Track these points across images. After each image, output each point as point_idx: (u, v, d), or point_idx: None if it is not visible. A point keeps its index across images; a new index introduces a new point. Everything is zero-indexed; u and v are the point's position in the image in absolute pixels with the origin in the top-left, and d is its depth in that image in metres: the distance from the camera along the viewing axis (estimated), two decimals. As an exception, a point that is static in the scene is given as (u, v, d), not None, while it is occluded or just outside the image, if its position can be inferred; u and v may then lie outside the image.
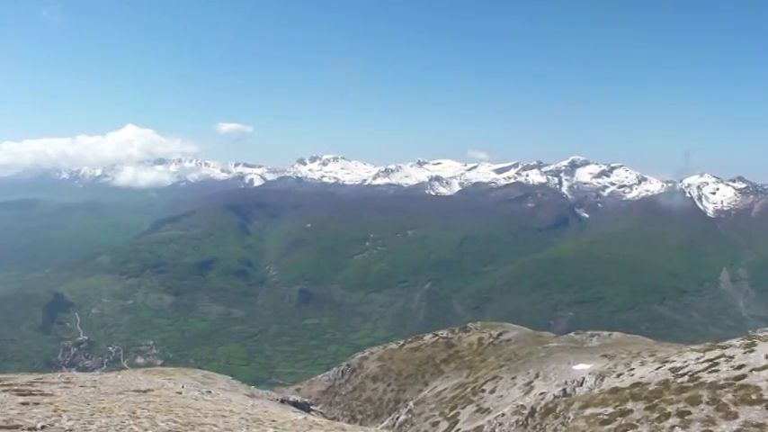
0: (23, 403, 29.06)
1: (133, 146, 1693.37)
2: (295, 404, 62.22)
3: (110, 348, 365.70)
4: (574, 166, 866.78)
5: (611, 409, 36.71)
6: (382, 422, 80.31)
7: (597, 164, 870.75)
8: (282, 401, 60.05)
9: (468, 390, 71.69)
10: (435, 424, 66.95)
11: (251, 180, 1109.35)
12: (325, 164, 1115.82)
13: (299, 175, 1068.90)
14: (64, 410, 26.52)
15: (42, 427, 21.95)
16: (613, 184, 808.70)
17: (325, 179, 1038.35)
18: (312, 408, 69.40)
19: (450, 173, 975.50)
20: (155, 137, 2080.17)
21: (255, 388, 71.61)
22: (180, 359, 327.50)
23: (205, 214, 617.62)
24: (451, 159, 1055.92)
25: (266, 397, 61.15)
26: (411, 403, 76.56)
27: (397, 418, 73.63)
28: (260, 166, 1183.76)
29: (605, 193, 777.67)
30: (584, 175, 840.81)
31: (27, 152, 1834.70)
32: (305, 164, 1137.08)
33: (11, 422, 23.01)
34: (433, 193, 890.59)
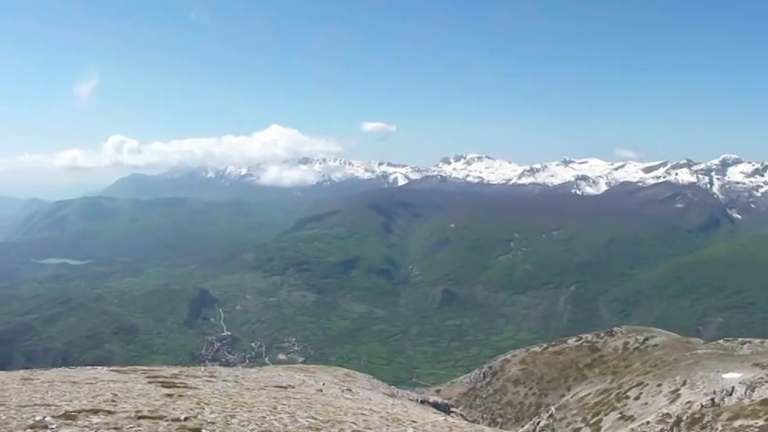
0: (168, 395, 29.73)
1: (278, 145, 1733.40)
2: (435, 405, 62.01)
3: (252, 344, 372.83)
4: (725, 164, 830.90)
5: (761, 422, 35.11)
6: (523, 426, 79.18)
7: (750, 162, 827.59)
8: (422, 402, 59.90)
9: (612, 396, 69.86)
10: (577, 430, 65.47)
11: (395, 179, 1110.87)
12: (469, 163, 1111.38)
13: (443, 175, 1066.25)
14: (206, 403, 26.98)
15: (185, 419, 22.31)
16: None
17: (469, 178, 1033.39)
18: (452, 409, 69.04)
19: (597, 172, 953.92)
20: (299, 137, 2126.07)
21: (396, 388, 71.71)
22: (321, 357, 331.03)
23: (349, 213, 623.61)
24: (598, 158, 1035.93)
25: (406, 397, 61.09)
26: (553, 408, 75.17)
27: (538, 423, 72.42)
28: (404, 166, 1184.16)
29: (759, 193, 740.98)
30: (736, 174, 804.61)
31: (174, 152, 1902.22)
32: (449, 163, 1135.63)
33: (155, 412, 23.49)
34: (579, 192, 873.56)
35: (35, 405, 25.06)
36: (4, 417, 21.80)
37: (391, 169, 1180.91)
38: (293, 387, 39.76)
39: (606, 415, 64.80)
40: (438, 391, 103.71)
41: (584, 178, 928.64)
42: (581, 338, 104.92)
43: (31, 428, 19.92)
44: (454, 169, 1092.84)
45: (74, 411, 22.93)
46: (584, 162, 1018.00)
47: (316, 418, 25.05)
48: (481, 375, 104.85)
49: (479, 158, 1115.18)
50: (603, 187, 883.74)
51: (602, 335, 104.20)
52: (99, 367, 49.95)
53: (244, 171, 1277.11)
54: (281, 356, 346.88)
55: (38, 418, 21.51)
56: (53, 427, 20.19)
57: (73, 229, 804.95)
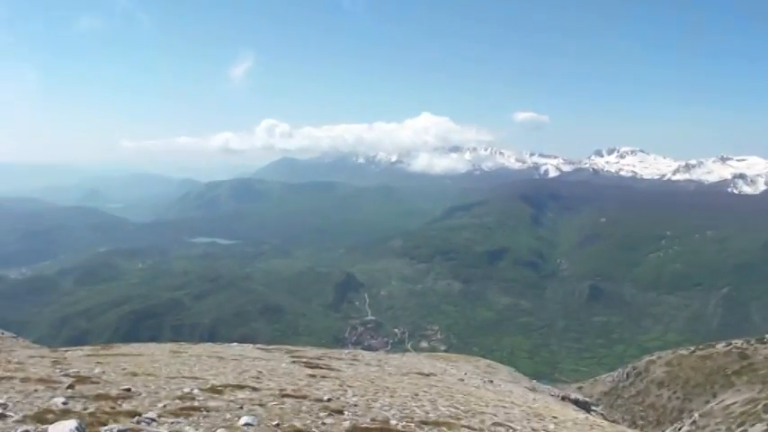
0: (311, 375, 30.39)
1: (429, 133, 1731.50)
2: (576, 402, 61.13)
3: (395, 330, 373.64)
4: None
5: None
6: (663, 431, 77.26)
7: None
8: (563, 398, 59.14)
9: (760, 407, 67.16)
10: (721, 439, 63.33)
11: (545, 171, 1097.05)
12: (622, 156, 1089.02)
13: (595, 168, 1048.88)
14: (349, 386, 27.43)
15: (328, 400, 22.69)
16: None
17: (622, 172, 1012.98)
18: (593, 408, 67.88)
19: (756, 170, 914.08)
20: (451, 125, 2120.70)
21: (537, 382, 71.03)
22: (464, 346, 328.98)
23: (498, 203, 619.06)
24: (758, 156, 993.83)
25: (547, 392, 60.48)
26: (696, 414, 72.89)
27: (680, 429, 70.44)
28: (555, 157, 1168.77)
29: None
30: None
31: (325, 137, 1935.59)
32: (602, 156, 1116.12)
33: (299, 392, 23.98)
34: (735, 191, 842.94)
35: (183, 377, 25.96)
36: (153, 386, 22.63)
37: (542, 160, 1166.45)
38: (435, 375, 39.95)
39: (752, 426, 62.37)
40: (580, 388, 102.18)
41: (742, 176, 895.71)
42: (730, 344, 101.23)
43: (179, 399, 20.58)
44: (607, 162, 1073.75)
45: (220, 386, 23.62)
46: (742, 159, 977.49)
47: (456, 408, 25.10)
48: (624, 375, 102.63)
49: (633, 152, 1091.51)
50: (762, 187, 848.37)
51: (752, 341, 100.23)
52: (245, 344, 51.44)
53: (394, 158, 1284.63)
54: (424, 344, 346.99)
55: (186, 390, 22.22)
56: (200, 399, 20.81)
57: (224, 210, 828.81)
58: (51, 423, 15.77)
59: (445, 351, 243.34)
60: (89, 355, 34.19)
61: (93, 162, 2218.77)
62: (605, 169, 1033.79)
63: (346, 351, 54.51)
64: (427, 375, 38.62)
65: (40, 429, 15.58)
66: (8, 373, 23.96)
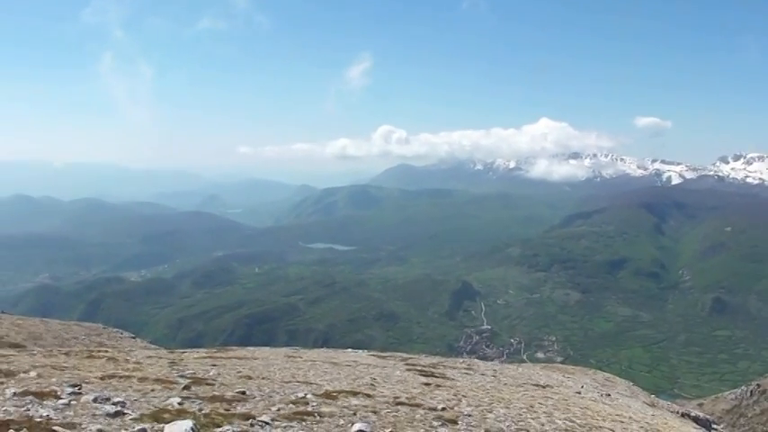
0: (425, 384, 30.16)
1: (547, 139, 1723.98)
2: (696, 420, 59.19)
3: (511, 340, 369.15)
4: None
5: None
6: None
7: None
8: (683, 415, 57.32)
9: None
10: None
11: (668, 178, 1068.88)
12: (749, 163, 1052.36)
13: (720, 175, 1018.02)
14: (464, 396, 27.09)
15: (443, 409, 22.42)
16: None
17: (749, 179, 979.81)
18: (714, 426, 65.71)
19: None
20: (570, 130, 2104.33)
21: (656, 397, 69.21)
22: (580, 358, 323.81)
23: (618, 211, 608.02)
24: None
25: (666, 408, 58.78)
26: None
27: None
28: (678, 164, 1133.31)
29: None
30: None
31: (442, 143, 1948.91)
32: (727, 162, 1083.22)
33: (413, 400, 23.79)
34: None
35: (297, 382, 26.05)
36: (268, 390, 22.75)
37: (665, 167, 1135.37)
38: (551, 387, 39.22)
39: None
40: (700, 405, 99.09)
41: None
42: None
43: (293, 404, 20.60)
44: (732, 169, 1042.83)
45: (334, 392, 23.60)
46: None
47: (573, 421, 24.54)
48: (748, 393, 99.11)
49: (761, 158, 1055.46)
50: None
51: None
52: (359, 351, 51.62)
53: (512, 164, 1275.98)
54: (540, 355, 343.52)
55: (300, 394, 22.25)
56: (314, 404, 20.80)
57: (340, 216, 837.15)
58: (167, 422, 15.94)
59: (562, 362, 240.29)
60: (205, 358, 34.70)
61: (212, 168, 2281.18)
62: (731, 176, 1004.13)
63: (461, 360, 54.16)
64: (543, 387, 37.95)
65: (156, 428, 15.75)
66: (126, 373, 24.41)
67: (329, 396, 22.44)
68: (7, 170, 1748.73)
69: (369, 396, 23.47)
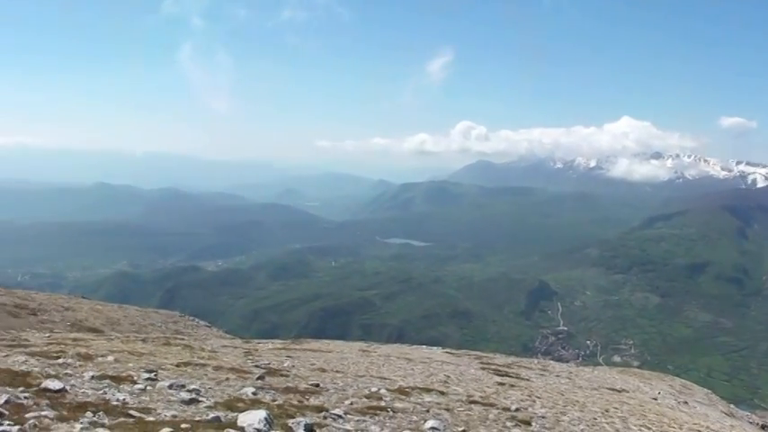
0: (500, 383, 30.01)
1: (629, 138, 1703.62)
2: (775, 431, 57.84)
3: (587, 342, 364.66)
4: None
5: None
6: None
7: None
8: (763, 427, 56.02)
9: None
10: None
11: (753, 180, 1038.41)
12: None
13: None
14: (538, 397, 26.91)
15: (516, 410, 22.29)
16: None
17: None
18: (796, 438, 64.10)
19: None
20: (652, 130, 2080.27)
21: (735, 407, 67.73)
22: (657, 364, 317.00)
23: (700, 214, 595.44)
24: None
25: (746, 419, 57.57)
26: None
27: None
28: (764, 166, 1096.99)
29: None
30: None
31: (522, 140, 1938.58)
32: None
33: (486, 399, 23.69)
34: None
35: (371, 376, 26.12)
36: (341, 383, 22.83)
37: (750, 169, 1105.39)
38: (627, 392, 38.70)
39: None
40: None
41: None
42: None
43: (366, 398, 20.64)
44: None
45: (407, 387, 23.61)
46: None
47: (649, 428, 24.22)
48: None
49: None
50: None
51: None
52: (434, 347, 51.57)
53: (592, 163, 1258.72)
54: (616, 358, 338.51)
55: (373, 389, 22.30)
56: (387, 399, 20.81)
57: (417, 212, 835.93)
58: (241, 411, 16.07)
59: (638, 367, 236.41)
60: (279, 349, 35.05)
61: (290, 160, 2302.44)
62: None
63: (536, 360, 53.79)
64: (619, 391, 37.46)
65: (229, 417, 15.88)
66: (202, 361, 24.76)
67: (402, 392, 22.43)
68: (90, 159, 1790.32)
69: (442, 393, 23.43)
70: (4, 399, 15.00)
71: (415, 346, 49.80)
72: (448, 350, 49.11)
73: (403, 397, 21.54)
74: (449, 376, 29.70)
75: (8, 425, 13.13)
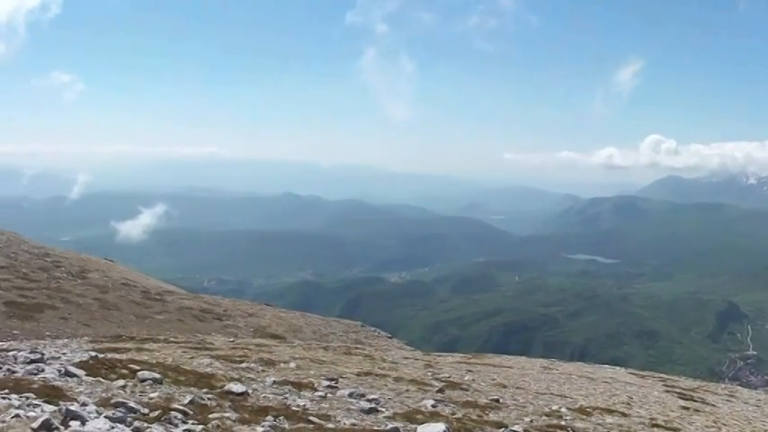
0: (684, 407, 29.10)
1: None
2: None
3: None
4: None
5: None
6: None
7: None
8: None
9: None
10: None
11: None
12: None
13: None
14: (724, 424, 26.01)
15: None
16: None
17: None
18: None
19: None
20: None
21: None
22: None
23: None
24: None
25: None
26: None
27: None
28: None
29: None
30: None
31: (714, 155, 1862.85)
32: None
33: (669, 423, 23.16)
34: None
35: (552, 394, 25.84)
36: (522, 400, 22.71)
37: None
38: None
39: None
40: None
41: None
42: None
43: (546, 416, 20.46)
44: None
45: (588, 407, 23.26)
46: None
47: None
48: None
49: None
50: None
51: None
52: (617, 368, 50.38)
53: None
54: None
55: (554, 407, 22.08)
56: (567, 418, 20.57)
57: (604, 228, 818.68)
58: (420, 423, 16.22)
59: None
60: (460, 362, 35.07)
61: (476, 173, 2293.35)
62: None
63: (723, 385, 51.71)
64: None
65: (408, 428, 16.05)
66: (382, 371, 25.11)
67: (583, 411, 22.11)
68: (279, 170, 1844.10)
69: (624, 415, 22.95)
70: (189, 399, 15.76)
71: (597, 366, 48.82)
72: (632, 371, 47.95)
73: (584, 417, 21.22)
74: (631, 398, 29.03)
75: (192, 424, 13.80)
